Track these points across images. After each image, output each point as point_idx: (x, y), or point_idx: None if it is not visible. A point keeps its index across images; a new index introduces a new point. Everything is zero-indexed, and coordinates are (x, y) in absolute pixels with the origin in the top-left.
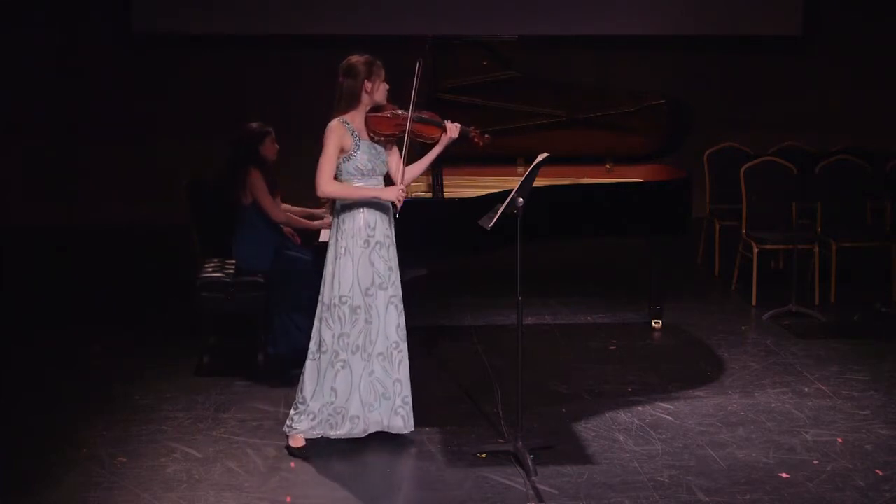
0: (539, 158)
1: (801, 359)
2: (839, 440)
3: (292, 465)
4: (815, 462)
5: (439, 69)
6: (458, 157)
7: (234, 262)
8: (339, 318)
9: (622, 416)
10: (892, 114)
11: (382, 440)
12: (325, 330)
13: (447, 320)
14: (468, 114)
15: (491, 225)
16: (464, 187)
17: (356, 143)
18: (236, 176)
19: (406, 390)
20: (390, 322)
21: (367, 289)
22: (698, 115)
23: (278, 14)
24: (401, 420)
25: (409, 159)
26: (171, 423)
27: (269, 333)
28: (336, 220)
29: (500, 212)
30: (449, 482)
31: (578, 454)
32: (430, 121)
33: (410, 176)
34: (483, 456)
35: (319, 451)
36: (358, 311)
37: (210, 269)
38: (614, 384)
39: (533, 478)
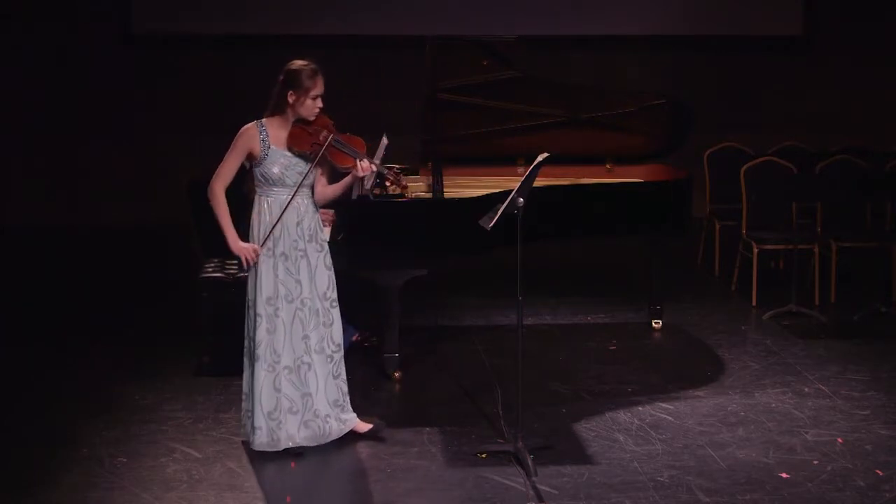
0: (539, 158)
1: (801, 359)
2: (839, 440)
3: (292, 464)
4: (815, 462)
5: (439, 69)
6: (458, 157)
7: (234, 261)
8: (247, 319)
9: (622, 416)
10: (892, 114)
11: (382, 440)
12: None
13: (447, 320)
14: (468, 114)
15: (491, 225)
16: (464, 187)
17: (265, 151)
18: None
19: (319, 403)
20: (296, 336)
21: (269, 298)
22: (698, 115)
23: (278, 14)
24: (311, 431)
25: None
26: (171, 423)
27: None
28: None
29: (500, 212)
30: (449, 482)
31: (578, 454)
32: (346, 149)
33: (319, 198)
34: (483, 456)
35: (318, 450)
36: (259, 318)
37: (210, 269)
38: (614, 384)
39: (533, 478)
